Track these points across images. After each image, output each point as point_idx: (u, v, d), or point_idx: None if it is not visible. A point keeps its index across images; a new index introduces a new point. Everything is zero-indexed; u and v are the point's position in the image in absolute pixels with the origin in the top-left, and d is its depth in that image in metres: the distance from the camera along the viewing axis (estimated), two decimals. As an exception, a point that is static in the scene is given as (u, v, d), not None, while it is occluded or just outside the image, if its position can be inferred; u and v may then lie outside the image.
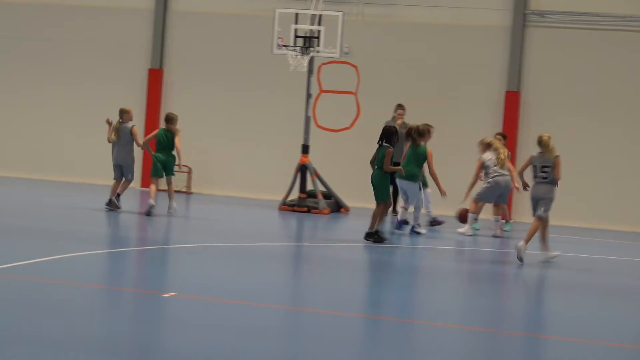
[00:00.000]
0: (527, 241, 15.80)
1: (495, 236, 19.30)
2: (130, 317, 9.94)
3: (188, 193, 25.08)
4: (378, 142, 17.50)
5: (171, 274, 12.98)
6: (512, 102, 23.78)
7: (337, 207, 22.72)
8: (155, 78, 25.85)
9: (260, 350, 8.56)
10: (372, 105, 24.16)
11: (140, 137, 20.42)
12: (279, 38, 21.84)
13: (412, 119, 22.14)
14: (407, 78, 24.41)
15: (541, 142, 16.23)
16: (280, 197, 22.60)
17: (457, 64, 24.26)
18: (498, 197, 19.61)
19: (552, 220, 23.17)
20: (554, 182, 16.19)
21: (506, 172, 19.47)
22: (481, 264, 16.40)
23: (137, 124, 25.94)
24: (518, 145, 23.65)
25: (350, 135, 24.12)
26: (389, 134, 17.36)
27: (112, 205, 19.42)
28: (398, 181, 19.18)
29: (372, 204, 23.85)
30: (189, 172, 24.91)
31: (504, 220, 20.06)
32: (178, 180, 24.77)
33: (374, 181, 17.57)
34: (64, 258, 12.94)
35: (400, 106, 21.92)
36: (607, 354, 9.62)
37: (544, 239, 16.22)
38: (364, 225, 20.60)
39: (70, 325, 9.03)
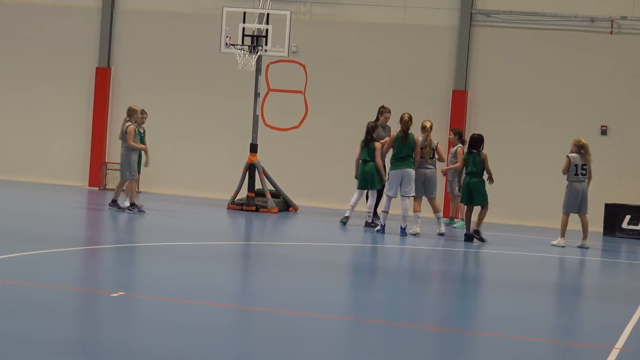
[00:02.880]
0: (587, 237, 18.81)
1: (439, 234, 19.26)
2: (79, 316, 9.91)
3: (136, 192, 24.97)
4: (469, 150, 18.51)
5: (120, 274, 12.94)
6: (459, 101, 23.96)
7: (286, 206, 22.75)
8: (102, 77, 25.71)
9: (208, 349, 8.59)
10: (320, 104, 24.23)
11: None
12: (227, 37, 21.82)
13: (361, 117, 22.26)
14: (355, 77, 24.49)
15: (582, 145, 18.74)
16: (228, 196, 22.59)
17: (404, 63, 24.39)
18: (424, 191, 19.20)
19: (491, 219, 23.46)
20: (589, 180, 18.83)
21: (430, 165, 19.09)
22: (430, 263, 16.55)
23: (86, 122, 25.85)
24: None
25: (298, 134, 24.18)
26: (480, 141, 18.52)
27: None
28: (398, 172, 18.78)
29: (321, 203, 24.03)
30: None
31: (445, 218, 20.06)
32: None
33: (478, 187, 18.45)
34: (12, 257, 12.86)
35: (387, 108, 21.27)
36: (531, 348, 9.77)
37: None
38: (313, 224, 20.70)
39: (20, 326, 8.99)
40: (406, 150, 18.86)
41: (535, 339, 10.09)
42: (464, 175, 18.81)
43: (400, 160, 18.89)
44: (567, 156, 18.79)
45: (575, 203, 18.71)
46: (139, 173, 20.01)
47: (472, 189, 18.52)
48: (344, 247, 17.57)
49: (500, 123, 23.82)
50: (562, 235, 18.73)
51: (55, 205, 20.75)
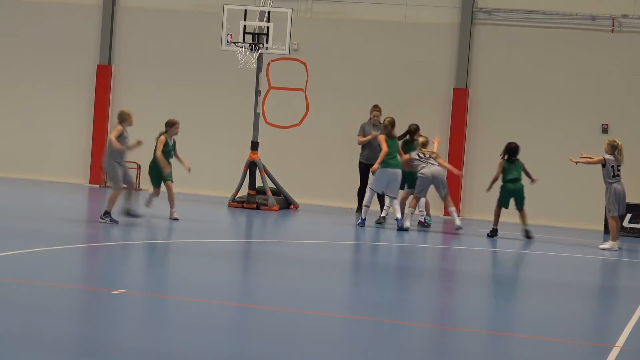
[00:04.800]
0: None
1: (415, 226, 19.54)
2: (81, 314, 9.91)
3: (137, 190, 24.97)
4: (508, 159, 19.36)
5: (120, 271, 12.95)
6: (460, 99, 23.95)
7: (287, 203, 22.75)
8: (103, 74, 25.71)
9: (208, 347, 8.59)
10: (320, 102, 24.22)
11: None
12: (228, 34, 21.81)
13: (361, 115, 22.29)
14: (356, 75, 24.48)
15: (617, 146, 18.61)
16: (229, 194, 22.58)
17: (405, 61, 24.38)
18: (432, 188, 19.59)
19: (490, 217, 23.41)
20: None
21: (435, 163, 19.47)
22: (431, 261, 16.55)
23: (86, 120, 25.86)
24: (466, 141, 23.81)
25: (299, 131, 24.17)
26: (518, 149, 19.49)
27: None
28: (396, 172, 19.27)
29: (322, 200, 24.03)
30: (137, 168, 24.81)
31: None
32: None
33: (522, 192, 19.30)
34: (13, 255, 12.86)
35: (376, 107, 21.86)
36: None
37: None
38: (314, 222, 20.72)
39: (21, 323, 8.99)
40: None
41: (536, 337, 10.09)
42: (501, 182, 19.44)
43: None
44: (603, 156, 18.62)
45: (620, 203, 18.55)
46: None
47: (517, 194, 19.25)
48: (345, 245, 17.57)
49: (501, 121, 23.80)
50: (615, 239, 18.45)
51: (62, 203, 20.73)
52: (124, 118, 17.62)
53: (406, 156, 19.62)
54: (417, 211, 19.75)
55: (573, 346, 9.88)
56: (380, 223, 19.73)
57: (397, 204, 19.34)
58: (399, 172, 19.29)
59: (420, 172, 19.32)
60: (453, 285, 13.75)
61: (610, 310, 12.57)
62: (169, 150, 18.95)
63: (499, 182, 19.47)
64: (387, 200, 19.52)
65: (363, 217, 19.54)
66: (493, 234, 19.32)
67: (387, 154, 19.17)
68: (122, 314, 9.91)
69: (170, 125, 18.96)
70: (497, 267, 15.86)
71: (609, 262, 17.50)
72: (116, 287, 11.00)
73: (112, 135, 17.48)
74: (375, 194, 19.71)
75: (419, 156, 19.43)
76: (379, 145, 19.47)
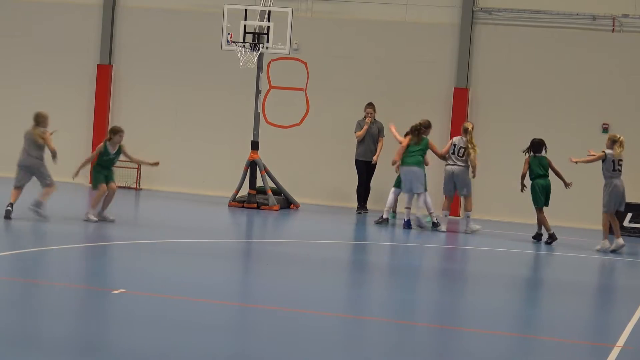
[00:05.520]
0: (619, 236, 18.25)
1: (466, 232, 19.63)
2: (81, 314, 9.91)
3: (137, 189, 24.97)
4: (534, 154, 19.14)
5: (121, 271, 12.95)
6: (460, 99, 23.93)
7: (287, 203, 22.74)
8: (104, 74, 25.70)
9: (208, 347, 8.59)
10: (321, 102, 24.21)
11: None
12: (228, 34, 21.80)
13: (361, 115, 22.31)
14: (356, 75, 24.47)
15: (618, 140, 18.32)
16: (229, 194, 22.58)
17: (405, 60, 24.36)
18: (455, 188, 19.76)
19: (491, 216, 23.39)
20: None
21: (460, 163, 19.64)
22: (435, 261, 16.55)
23: (87, 120, 25.85)
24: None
25: (299, 131, 24.16)
26: (543, 144, 19.27)
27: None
28: (410, 169, 19.47)
29: (322, 200, 24.01)
30: (139, 168, 24.79)
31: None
32: (128, 177, 24.69)
33: (550, 189, 19.08)
34: (13, 255, 12.85)
35: (370, 105, 22.26)
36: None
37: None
38: (314, 222, 20.70)
39: (21, 323, 8.99)
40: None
41: (536, 337, 10.09)
42: (527, 179, 19.23)
43: None
44: (604, 151, 18.48)
45: (618, 200, 18.35)
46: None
47: (548, 190, 19.07)
48: (345, 245, 17.56)
49: (501, 120, 23.79)
50: (606, 237, 18.27)
51: (62, 203, 20.72)
52: (41, 120, 17.83)
53: (440, 151, 20.12)
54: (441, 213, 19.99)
55: (573, 346, 9.88)
56: (380, 223, 19.92)
57: (412, 205, 19.56)
58: (414, 169, 19.47)
59: (445, 169, 19.76)
60: (452, 285, 13.75)
61: (610, 310, 12.58)
62: (109, 159, 18.00)
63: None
64: (406, 199, 19.71)
65: (406, 219, 19.55)
66: (551, 239, 18.90)
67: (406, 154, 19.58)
68: (122, 313, 9.90)
69: (114, 132, 17.91)
70: (497, 267, 15.84)
71: (609, 262, 17.49)
72: (116, 287, 11.00)
73: (52, 144, 17.71)
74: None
75: (451, 153, 19.74)
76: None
